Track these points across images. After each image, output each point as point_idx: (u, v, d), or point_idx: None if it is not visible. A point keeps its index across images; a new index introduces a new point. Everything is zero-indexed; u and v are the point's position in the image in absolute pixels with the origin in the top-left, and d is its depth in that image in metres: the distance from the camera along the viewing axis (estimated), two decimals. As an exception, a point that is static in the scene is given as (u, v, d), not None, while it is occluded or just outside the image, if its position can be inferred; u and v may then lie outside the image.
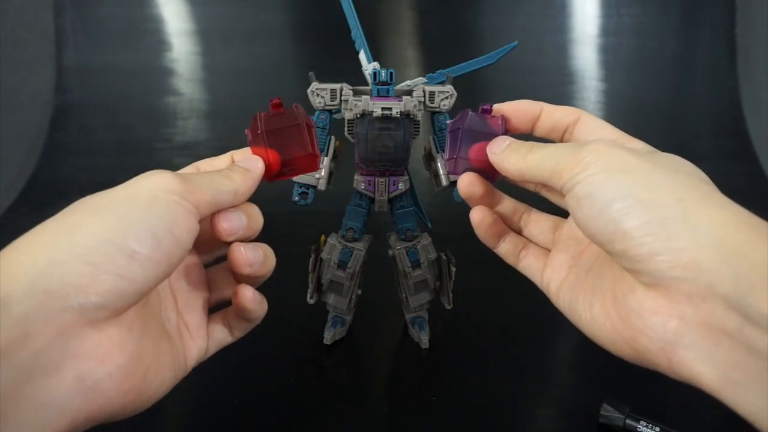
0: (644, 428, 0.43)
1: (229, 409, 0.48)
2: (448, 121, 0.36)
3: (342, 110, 0.48)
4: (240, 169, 0.33)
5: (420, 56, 1.04)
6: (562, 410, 0.50)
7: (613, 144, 0.29)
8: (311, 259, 0.52)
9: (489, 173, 0.35)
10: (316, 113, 0.49)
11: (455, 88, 0.48)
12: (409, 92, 0.48)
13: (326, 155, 0.49)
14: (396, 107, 0.45)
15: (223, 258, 0.35)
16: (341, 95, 0.48)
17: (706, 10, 1.07)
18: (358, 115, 0.46)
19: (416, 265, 0.52)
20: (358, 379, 0.53)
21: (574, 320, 0.32)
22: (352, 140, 0.48)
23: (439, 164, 0.49)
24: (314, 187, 0.49)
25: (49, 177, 0.98)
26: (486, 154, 0.34)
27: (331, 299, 0.54)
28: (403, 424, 0.47)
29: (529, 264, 0.37)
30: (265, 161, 0.34)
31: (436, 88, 0.48)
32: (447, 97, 0.48)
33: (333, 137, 0.50)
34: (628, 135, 0.33)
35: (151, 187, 0.28)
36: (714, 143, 1.05)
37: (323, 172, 0.49)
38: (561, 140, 0.35)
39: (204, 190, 0.30)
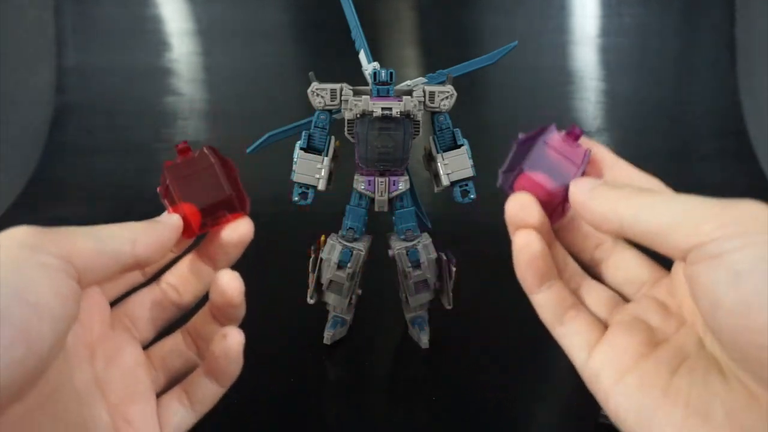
0: (644, 428, 0.43)
1: (229, 409, 0.48)
2: (520, 135, 0.30)
3: (342, 110, 0.48)
4: (144, 221, 0.28)
5: (420, 56, 1.04)
6: (562, 410, 0.50)
7: None
8: (311, 260, 0.52)
9: (547, 212, 0.27)
10: (316, 113, 0.49)
11: (455, 88, 0.48)
12: (409, 92, 0.48)
13: (326, 155, 0.49)
14: (396, 107, 0.45)
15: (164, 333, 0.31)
16: (341, 95, 0.48)
17: (706, 10, 1.07)
18: (358, 115, 0.46)
19: (416, 265, 0.52)
20: (358, 379, 0.53)
21: None
22: (352, 140, 0.48)
23: (439, 164, 0.49)
24: (314, 187, 0.49)
25: (49, 177, 0.98)
26: (552, 187, 0.27)
27: (331, 299, 0.54)
28: (403, 423, 0.47)
29: (575, 331, 0.27)
30: (180, 215, 0.30)
31: (436, 88, 0.48)
32: (447, 97, 0.48)
33: (333, 137, 0.50)
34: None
35: None
36: (714, 143, 1.05)
37: (323, 173, 0.49)
38: None
39: (79, 236, 0.24)
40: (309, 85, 0.48)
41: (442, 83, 0.49)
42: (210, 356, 0.29)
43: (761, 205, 0.21)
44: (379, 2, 1.03)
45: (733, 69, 1.07)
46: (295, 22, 1.06)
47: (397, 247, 0.52)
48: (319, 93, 0.48)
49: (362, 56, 0.49)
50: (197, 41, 1.04)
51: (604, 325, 0.27)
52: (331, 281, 0.52)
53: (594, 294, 0.29)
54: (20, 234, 0.22)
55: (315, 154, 0.49)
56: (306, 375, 0.53)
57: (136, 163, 0.98)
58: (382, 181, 0.49)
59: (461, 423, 0.47)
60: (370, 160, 0.48)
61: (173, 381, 0.31)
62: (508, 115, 1.05)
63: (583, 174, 0.27)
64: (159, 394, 0.30)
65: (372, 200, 0.50)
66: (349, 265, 0.51)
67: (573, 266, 0.30)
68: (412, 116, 0.47)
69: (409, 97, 0.47)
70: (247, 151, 0.52)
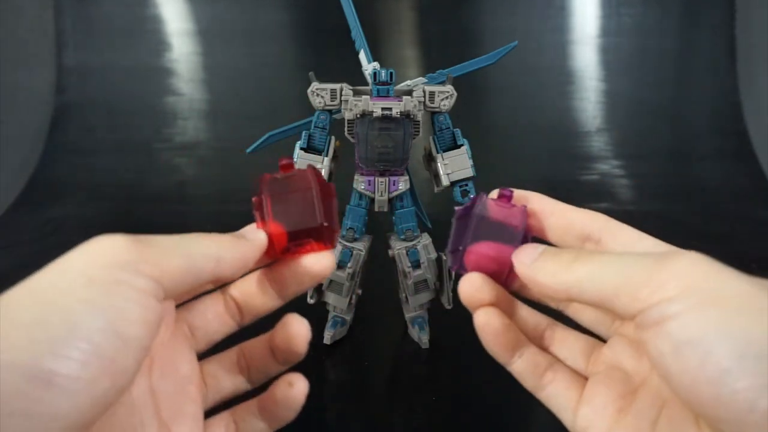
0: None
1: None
2: (457, 208, 0.30)
3: (342, 110, 0.48)
4: (232, 235, 0.26)
5: (420, 56, 1.04)
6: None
7: (707, 258, 0.21)
8: (311, 259, 0.52)
9: (501, 277, 0.28)
10: (316, 113, 0.49)
11: (455, 88, 0.48)
12: (409, 92, 0.48)
13: (326, 155, 0.49)
14: (396, 107, 0.45)
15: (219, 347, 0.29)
16: (341, 95, 0.48)
17: (706, 10, 1.07)
18: (358, 115, 0.46)
19: (416, 265, 0.52)
20: (358, 379, 0.53)
21: None
22: (352, 140, 0.48)
23: (439, 164, 0.49)
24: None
25: (49, 177, 0.98)
26: (500, 254, 0.27)
27: (331, 299, 0.54)
28: (403, 424, 0.47)
29: (556, 393, 0.27)
30: (267, 233, 0.27)
31: (436, 88, 0.48)
32: (447, 97, 0.48)
33: (333, 137, 0.50)
34: (678, 248, 0.24)
35: (86, 264, 0.20)
36: (714, 143, 1.05)
37: (323, 172, 0.49)
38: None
39: (172, 253, 0.22)
40: (309, 85, 0.48)
41: (442, 83, 0.49)
42: (269, 398, 0.28)
43: (698, 258, 0.21)
44: (379, 2, 1.03)
45: (733, 69, 1.07)
46: (295, 22, 1.06)
47: (397, 247, 0.52)
48: (319, 93, 0.48)
49: (362, 56, 0.49)
50: (197, 41, 1.04)
51: (584, 378, 0.28)
52: (331, 281, 0.52)
53: (568, 345, 0.29)
54: (115, 249, 0.21)
55: (315, 154, 0.49)
56: (306, 375, 0.53)
57: (136, 162, 0.98)
58: (382, 181, 0.49)
59: (461, 423, 0.47)
60: (370, 160, 0.48)
61: (218, 404, 0.29)
62: (509, 116, 1.05)
63: (526, 231, 0.28)
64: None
65: (372, 200, 0.51)
66: (349, 265, 0.51)
67: (544, 321, 0.30)
68: (412, 116, 0.47)
69: (409, 97, 0.47)
70: (247, 151, 0.52)
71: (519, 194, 0.29)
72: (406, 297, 0.54)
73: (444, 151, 0.50)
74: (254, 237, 0.27)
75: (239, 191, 0.93)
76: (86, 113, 1.03)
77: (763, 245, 0.80)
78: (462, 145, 0.50)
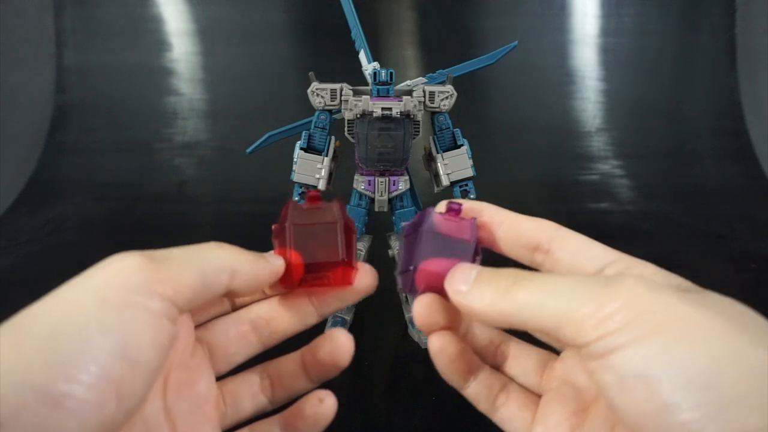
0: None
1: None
2: (403, 223, 0.29)
3: (342, 110, 0.48)
4: (249, 253, 0.26)
5: (420, 56, 1.04)
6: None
7: (650, 282, 0.20)
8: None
9: None
10: (316, 113, 0.49)
11: (455, 88, 0.48)
12: (409, 92, 0.48)
13: (326, 155, 0.49)
14: (396, 107, 0.45)
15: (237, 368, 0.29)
16: (341, 95, 0.48)
17: (706, 10, 1.07)
18: (358, 115, 0.47)
19: (416, 265, 0.52)
20: (358, 379, 0.53)
21: None
22: (352, 140, 0.48)
23: (439, 164, 0.49)
24: (314, 187, 0.49)
25: (49, 177, 0.98)
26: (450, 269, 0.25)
27: (331, 299, 0.54)
28: (403, 424, 0.47)
29: (509, 415, 0.27)
30: (285, 261, 0.27)
31: (436, 88, 0.48)
32: (447, 97, 0.48)
33: (333, 137, 0.50)
34: (627, 255, 0.24)
35: (100, 285, 0.21)
36: (714, 143, 1.05)
37: (323, 172, 0.49)
38: (531, 261, 0.27)
39: (185, 268, 0.22)
40: (309, 85, 0.48)
41: (442, 83, 0.49)
42: (296, 414, 0.27)
43: (640, 282, 0.20)
44: (379, 3, 1.03)
45: (733, 69, 1.07)
46: (295, 22, 1.06)
47: (397, 247, 0.52)
48: (319, 93, 0.48)
49: (362, 56, 0.49)
50: (197, 41, 1.04)
51: (538, 396, 0.28)
52: (331, 281, 0.52)
53: (521, 362, 0.29)
54: (129, 269, 0.21)
55: (315, 154, 0.49)
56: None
57: (136, 162, 0.98)
58: (382, 181, 0.49)
59: (461, 423, 0.47)
60: (370, 160, 0.48)
61: (238, 424, 0.29)
62: (509, 115, 1.05)
63: (477, 243, 0.27)
64: None
65: (372, 200, 0.51)
66: (349, 265, 0.51)
67: (498, 337, 0.30)
68: (412, 116, 0.47)
69: (409, 97, 0.47)
70: (247, 151, 0.52)
71: (470, 206, 0.28)
72: (406, 297, 0.54)
73: (444, 151, 0.50)
74: (273, 261, 0.26)
75: (239, 191, 0.94)
76: (86, 113, 1.03)
77: (763, 245, 0.80)
78: (462, 145, 0.50)
